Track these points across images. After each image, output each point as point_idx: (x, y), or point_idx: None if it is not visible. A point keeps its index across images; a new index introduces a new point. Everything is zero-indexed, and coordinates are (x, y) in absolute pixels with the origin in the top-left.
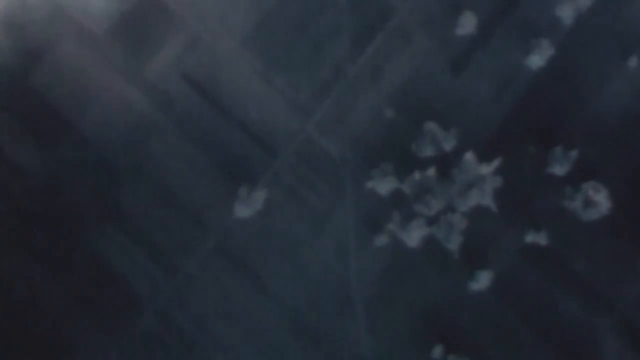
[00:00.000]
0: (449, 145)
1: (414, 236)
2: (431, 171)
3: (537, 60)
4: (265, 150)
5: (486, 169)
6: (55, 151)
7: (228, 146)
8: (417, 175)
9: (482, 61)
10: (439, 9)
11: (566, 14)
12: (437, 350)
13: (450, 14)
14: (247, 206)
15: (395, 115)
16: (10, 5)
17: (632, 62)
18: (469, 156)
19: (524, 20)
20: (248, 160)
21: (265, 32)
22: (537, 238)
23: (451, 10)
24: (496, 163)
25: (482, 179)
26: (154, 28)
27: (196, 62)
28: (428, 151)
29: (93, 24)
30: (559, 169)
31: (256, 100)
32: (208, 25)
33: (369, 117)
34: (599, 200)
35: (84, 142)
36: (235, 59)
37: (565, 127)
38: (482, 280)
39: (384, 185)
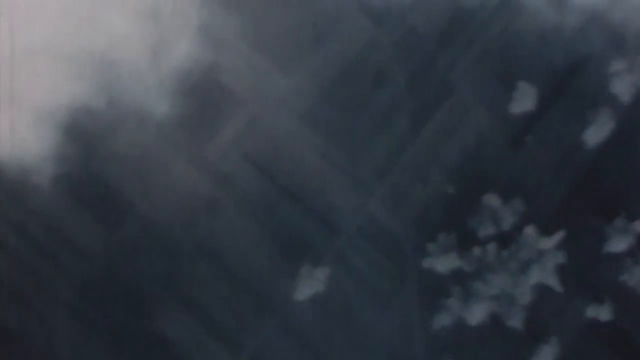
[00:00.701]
0: (508, 221)
1: (475, 313)
2: (491, 247)
3: (595, 134)
4: (327, 228)
5: (547, 244)
6: (117, 232)
7: (290, 224)
8: (476, 252)
9: (541, 136)
10: (497, 85)
11: (622, 89)
12: None
13: (508, 90)
14: (310, 285)
15: (455, 191)
16: (75, 109)
17: None
18: (530, 230)
19: (581, 95)
20: (310, 238)
21: (325, 111)
22: (599, 312)
23: (509, 87)
24: (558, 237)
25: (543, 255)
26: (213, 109)
27: (256, 141)
28: (488, 229)
29: (153, 108)
30: (619, 243)
31: (317, 179)
32: (267, 104)
33: (430, 194)
34: None
35: (146, 222)
36: (294, 138)
37: (627, 200)
38: (545, 357)
39: (443, 263)
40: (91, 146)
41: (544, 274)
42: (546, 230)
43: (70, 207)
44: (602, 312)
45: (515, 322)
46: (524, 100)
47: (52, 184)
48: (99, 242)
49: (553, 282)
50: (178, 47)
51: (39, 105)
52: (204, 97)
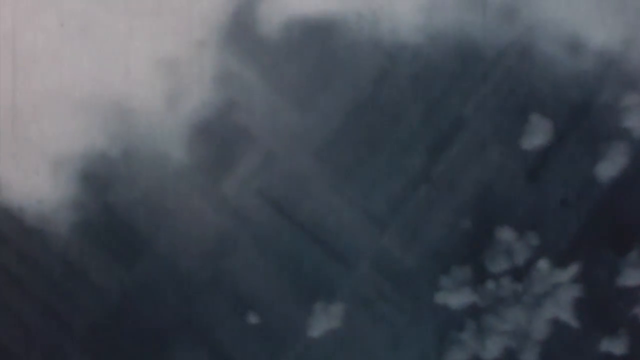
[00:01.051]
0: (522, 255)
1: (490, 348)
2: (505, 281)
3: (609, 168)
4: (341, 264)
5: (562, 277)
6: (133, 269)
7: (304, 260)
8: (490, 286)
9: (555, 169)
10: (512, 118)
11: (635, 124)
12: None
13: (522, 124)
14: (325, 321)
15: (470, 225)
16: (91, 157)
17: None
18: (544, 264)
19: (594, 129)
20: (325, 273)
21: (339, 146)
22: (613, 346)
23: (523, 121)
24: (572, 270)
25: (558, 288)
26: (228, 146)
27: (271, 177)
28: (502, 263)
29: (170, 156)
30: (633, 277)
31: (331, 214)
32: (281, 140)
33: (445, 227)
34: None
35: (161, 259)
36: (309, 173)
37: None
38: None
39: (457, 297)
40: (108, 193)
41: (559, 308)
42: (560, 264)
43: (86, 244)
44: (617, 346)
45: (530, 356)
46: (538, 134)
47: (70, 231)
48: (115, 279)
49: (568, 316)
50: (195, 94)
51: (56, 153)
52: (218, 134)
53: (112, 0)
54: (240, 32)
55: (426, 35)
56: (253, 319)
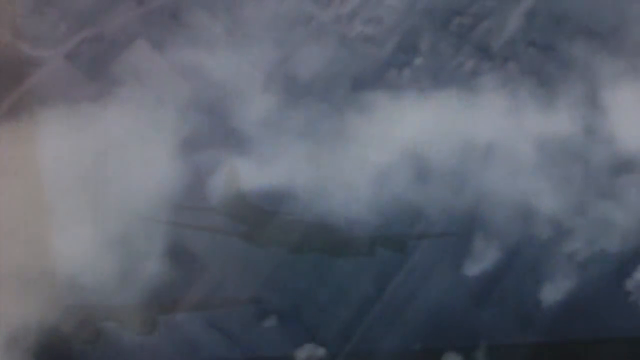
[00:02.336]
0: None
1: None
2: None
3: (554, 291)
4: None
5: None
6: None
7: None
8: None
9: (501, 293)
10: (456, 243)
11: (579, 246)
12: None
13: (468, 248)
14: None
15: (419, 348)
16: (44, 333)
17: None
18: None
19: (539, 253)
20: None
21: (287, 278)
22: None
23: (468, 244)
24: None
25: None
26: (179, 275)
27: (220, 308)
28: None
29: (122, 332)
30: None
31: (282, 344)
32: (230, 270)
33: (395, 353)
34: None
35: None
36: (258, 304)
37: (586, 356)
38: None
39: None
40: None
41: None
42: None
43: None
44: None
45: None
46: (483, 258)
47: None
48: None
49: None
50: (146, 268)
51: (9, 330)
52: (164, 264)
53: (58, 183)
54: (189, 205)
55: (375, 207)
56: None
